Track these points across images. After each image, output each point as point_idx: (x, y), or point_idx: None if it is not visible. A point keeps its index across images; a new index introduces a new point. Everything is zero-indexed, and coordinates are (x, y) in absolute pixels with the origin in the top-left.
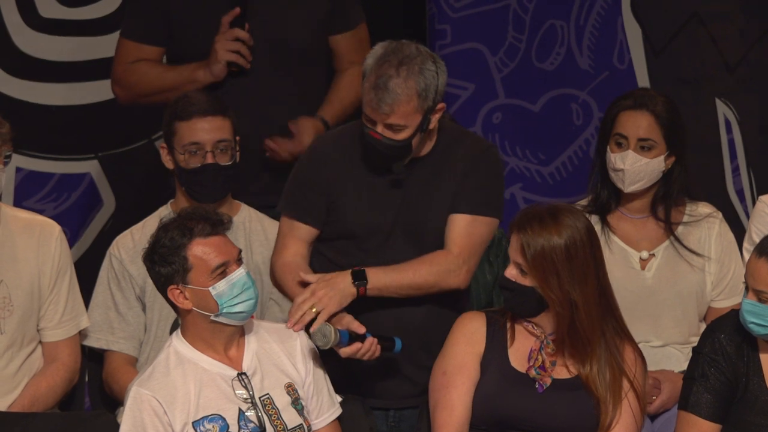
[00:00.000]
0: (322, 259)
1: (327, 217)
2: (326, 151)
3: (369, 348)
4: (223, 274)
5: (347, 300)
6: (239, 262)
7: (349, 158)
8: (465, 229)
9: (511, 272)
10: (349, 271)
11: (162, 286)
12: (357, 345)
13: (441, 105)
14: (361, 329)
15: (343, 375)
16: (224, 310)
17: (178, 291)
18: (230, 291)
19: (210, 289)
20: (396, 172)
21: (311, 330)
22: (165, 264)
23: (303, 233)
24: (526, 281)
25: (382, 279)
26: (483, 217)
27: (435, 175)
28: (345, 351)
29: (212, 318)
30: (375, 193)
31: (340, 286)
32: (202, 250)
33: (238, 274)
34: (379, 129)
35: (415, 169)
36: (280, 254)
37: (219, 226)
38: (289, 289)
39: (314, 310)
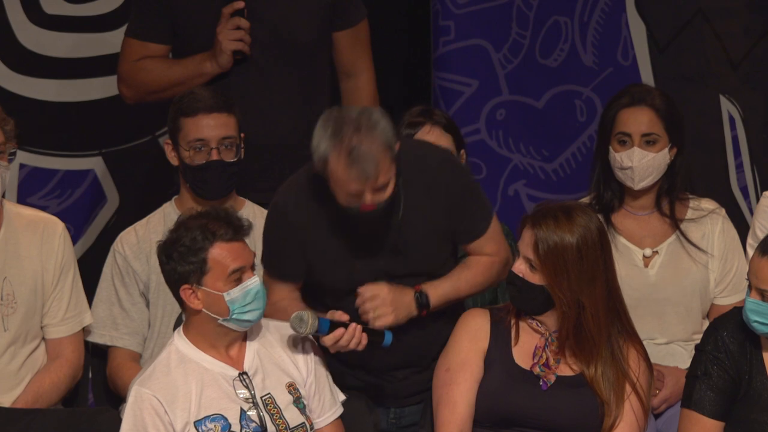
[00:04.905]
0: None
1: (307, 270)
2: (291, 213)
3: (352, 334)
4: (239, 280)
5: (405, 318)
6: (253, 269)
7: (315, 216)
8: (488, 241)
9: (520, 268)
10: (412, 292)
11: (175, 283)
12: (340, 331)
13: (397, 144)
14: (344, 317)
15: (341, 381)
16: (234, 316)
17: (191, 291)
18: (243, 298)
19: (224, 294)
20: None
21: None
22: (183, 263)
23: (284, 287)
24: (535, 278)
25: (441, 298)
26: (491, 225)
27: (414, 212)
28: (326, 339)
29: (220, 321)
30: (352, 250)
31: (405, 304)
32: (221, 254)
33: (253, 282)
34: (369, 199)
35: (388, 209)
36: (267, 297)
37: (240, 231)
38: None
39: (372, 315)
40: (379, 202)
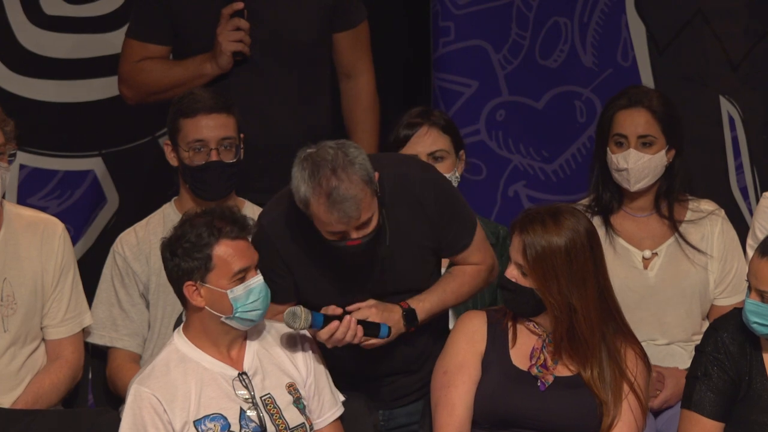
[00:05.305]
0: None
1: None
2: (277, 241)
3: (347, 326)
4: (242, 279)
5: (394, 337)
6: (257, 268)
7: (301, 246)
8: (473, 252)
9: (512, 273)
10: (400, 310)
11: (178, 279)
12: (334, 324)
13: (376, 174)
14: (337, 311)
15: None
16: (237, 315)
17: (194, 288)
18: (246, 297)
19: (228, 291)
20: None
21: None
22: (188, 259)
23: (279, 307)
24: (527, 282)
25: (428, 312)
26: (475, 233)
27: (401, 236)
28: (321, 333)
29: (223, 319)
30: (341, 278)
31: (394, 322)
32: (226, 252)
33: (256, 281)
34: (354, 235)
35: (375, 238)
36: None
37: (245, 229)
38: None
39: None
40: (364, 236)
